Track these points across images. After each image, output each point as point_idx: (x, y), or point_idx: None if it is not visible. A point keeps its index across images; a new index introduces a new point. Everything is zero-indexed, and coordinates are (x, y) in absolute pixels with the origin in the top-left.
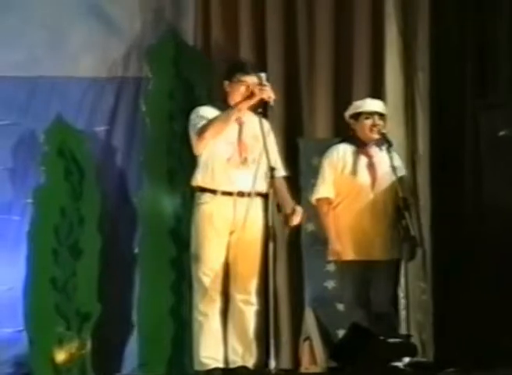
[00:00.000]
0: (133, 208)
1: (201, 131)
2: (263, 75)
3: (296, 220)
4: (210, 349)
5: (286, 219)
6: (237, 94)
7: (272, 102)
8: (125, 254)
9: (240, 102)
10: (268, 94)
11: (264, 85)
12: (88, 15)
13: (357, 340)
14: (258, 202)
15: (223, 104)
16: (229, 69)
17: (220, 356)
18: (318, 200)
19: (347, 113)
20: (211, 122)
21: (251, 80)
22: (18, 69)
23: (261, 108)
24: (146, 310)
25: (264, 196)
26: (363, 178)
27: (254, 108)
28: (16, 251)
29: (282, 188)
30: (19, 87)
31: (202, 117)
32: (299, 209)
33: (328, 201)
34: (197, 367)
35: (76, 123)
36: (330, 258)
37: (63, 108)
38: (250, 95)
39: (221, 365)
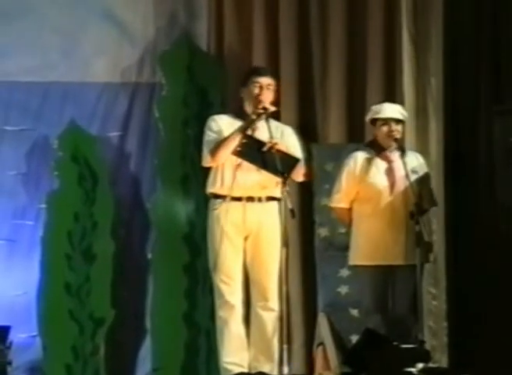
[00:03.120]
0: (146, 213)
1: (214, 152)
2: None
3: None
4: (233, 355)
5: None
6: (251, 96)
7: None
8: (138, 259)
9: (256, 113)
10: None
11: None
12: (102, 20)
13: (370, 345)
14: (273, 207)
15: (240, 111)
16: (245, 75)
17: (244, 362)
18: (334, 207)
19: (367, 118)
20: (223, 142)
21: (265, 81)
22: (31, 74)
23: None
24: (159, 315)
25: (279, 200)
26: (382, 183)
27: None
28: (30, 256)
29: None
30: (32, 93)
31: (215, 132)
32: None
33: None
34: (221, 373)
35: (89, 128)
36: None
37: (77, 114)
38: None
39: (246, 370)
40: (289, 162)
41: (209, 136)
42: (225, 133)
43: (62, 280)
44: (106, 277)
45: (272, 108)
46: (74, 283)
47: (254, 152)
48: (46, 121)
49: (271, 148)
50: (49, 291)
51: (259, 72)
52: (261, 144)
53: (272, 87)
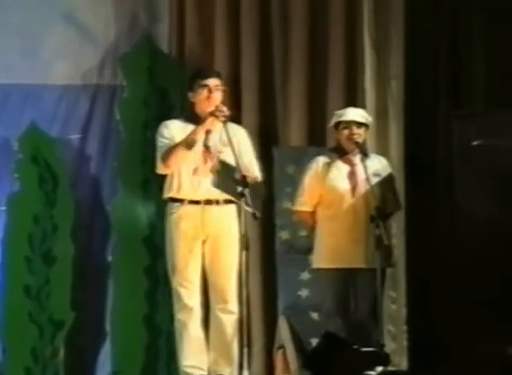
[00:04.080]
0: (106, 216)
1: (166, 158)
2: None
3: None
4: (192, 358)
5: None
6: (201, 99)
7: (222, 112)
8: (98, 262)
9: (207, 120)
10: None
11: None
12: (62, 22)
13: (330, 349)
14: (231, 210)
15: (192, 115)
16: (190, 79)
17: (204, 365)
18: (297, 211)
19: (330, 123)
20: (174, 149)
21: (212, 82)
22: None
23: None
24: (119, 318)
25: (238, 203)
26: (343, 186)
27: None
28: None
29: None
30: None
31: (167, 139)
32: None
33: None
34: None
35: (50, 130)
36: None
37: (37, 116)
38: (215, 111)
39: (205, 373)
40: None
41: (161, 142)
42: (178, 138)
43: (22, 283)
44: (66, 280)
45: (227, 112)
46: (34, 285)
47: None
48: (6, 123)
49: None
50: (9, 294)
51: (204, 74)
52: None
53: (220, 88)
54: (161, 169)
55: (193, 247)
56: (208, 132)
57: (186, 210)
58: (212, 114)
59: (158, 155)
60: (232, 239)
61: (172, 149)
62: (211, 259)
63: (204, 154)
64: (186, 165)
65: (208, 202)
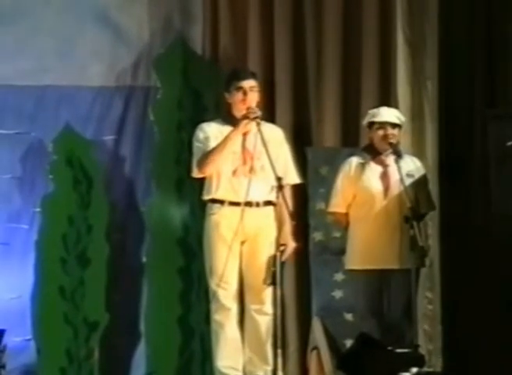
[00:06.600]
0: (141, 217)
1: (201, 164)
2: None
3: (283, 257)
4: (228, 359)
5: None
6: (237, 101)
7: (253, 113)
8: (133, 263)
9: (241, 123)
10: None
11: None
12: (96, 24)
13: (364, 350)
14: (270, 211)
15: (228, 116)
16: (226, 80)
17: (240, 365)
18: (331, 212)
19: (364, 122)
20: (209, 155)
21: (247, 83)
22: (26, 77)
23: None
24: (154, 319)
25: (276, 205)
26: (376, 187)
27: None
28: (25, 259)
29: (283, 214)
30: (27, 96)
31: (202, 143)
32: (290, 246)
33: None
34: None
35: (84, 132)
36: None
37: (71, 117)
38: (248, 113)
39: (241, 374)
40: None
41: (196, 147)
42: (213, 142)
43: (57, 284)
44: (100, 281)
45: (259, 113)
46: (68, 286)
47: None
48: (41, 125)
49: None
50: (43, 295)
51: (239, 76)
52: None
53: (255, 89)
54: (196, 174)
55: (233, 248)
56: (245, 133)
57: (226, 211)
58: (245, 116)
59: (194, 159)
60: (271, 241)
61: (207, 154)
62: (249, 261)
63: (243, 155)
64: (225, 166)
65: (248, 204)
